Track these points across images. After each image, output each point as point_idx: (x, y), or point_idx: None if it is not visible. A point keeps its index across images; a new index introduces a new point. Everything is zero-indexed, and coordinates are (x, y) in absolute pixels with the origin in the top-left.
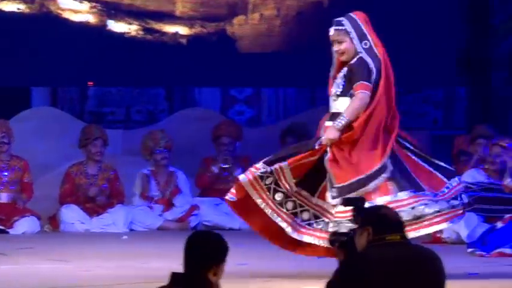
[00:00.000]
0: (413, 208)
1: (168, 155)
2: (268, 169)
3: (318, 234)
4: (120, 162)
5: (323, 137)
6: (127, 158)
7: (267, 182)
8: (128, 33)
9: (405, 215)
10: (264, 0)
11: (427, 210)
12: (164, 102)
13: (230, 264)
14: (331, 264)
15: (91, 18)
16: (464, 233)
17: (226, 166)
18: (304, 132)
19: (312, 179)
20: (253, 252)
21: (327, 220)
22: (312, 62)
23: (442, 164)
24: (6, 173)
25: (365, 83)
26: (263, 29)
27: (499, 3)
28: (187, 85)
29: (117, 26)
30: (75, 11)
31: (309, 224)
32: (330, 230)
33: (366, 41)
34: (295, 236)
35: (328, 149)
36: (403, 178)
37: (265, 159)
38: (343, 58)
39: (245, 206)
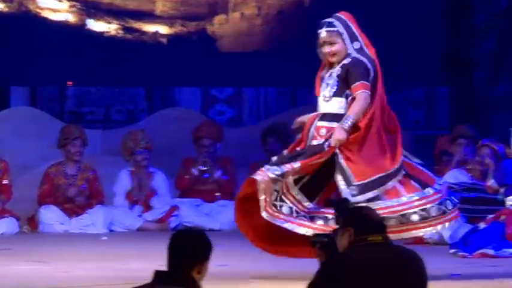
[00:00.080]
0: (423, 210)
1: (148, 156)
2: (280, 171)
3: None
4: (99, 162)
5: (331, 139)
6: (106, 158)
7: (276, 188)
8: (107, 32)
9: (415, 216)
10: None
11: (433, 211)
12: (144, 101)
13: (211, 265)
14: (312, 266)
15: (70, 17)
16: (446, 234)
17: (205, 168)
18: (285, 132)
19: (312, 185)
20: (234, 253)
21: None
22: (293, 61)
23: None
24: None
25: (365, 82)
26: (244, 28)
27: (480, 2)
28: (168, 84)
29: (96, 25)
30: (54, 10)
31: (311, 218)
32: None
33: (357, 42)
34: (296, 228)
35: (337, 150)
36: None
37: (274, 161)
38: (334, 59)
39: (245, 203)
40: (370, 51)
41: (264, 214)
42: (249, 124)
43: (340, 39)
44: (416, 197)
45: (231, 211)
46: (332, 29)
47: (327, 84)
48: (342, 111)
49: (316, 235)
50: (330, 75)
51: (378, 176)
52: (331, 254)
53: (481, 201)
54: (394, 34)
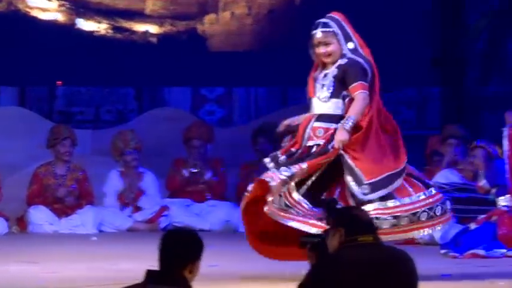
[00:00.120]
0: (430, 209)
1: (137, 156)
2: (289, 172)
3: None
4: (89, 162)
5: (334, 141)
6: (96, 158)
7: (283, 189)
8: (97, 31)
9: (424, 215)
10: None
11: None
12: (134, 101)
13: (201, 266)
14: (303, 266)
15: (60, 17)
16: (437, 234)
17: (196, 171)
18: (276, 132)
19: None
20: (224, 254)
21: None
22: (284, 61)
23: None
24: None
25: (363, 83)
26: (234, 27)
27: (471, 3)
28: (158, 84)
29: (86, 25)
30: (44, 10)
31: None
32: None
33: (351, 42)
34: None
35: (342, 151)
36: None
37: (282, 162)
38: (329, 60)
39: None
40: (365, 52)
41: (267, 210)
42: (240, 124)
43: (335, 39)
44: (424, 196)
45: (221, 211)
46: (328, 29)
47: (323, 85)
48: (338, 112)
49: (306, 236)
50: (325, 76)
51: (386, 174)
52: (322, 255)
53: (472, 201)
54: (385, 34)
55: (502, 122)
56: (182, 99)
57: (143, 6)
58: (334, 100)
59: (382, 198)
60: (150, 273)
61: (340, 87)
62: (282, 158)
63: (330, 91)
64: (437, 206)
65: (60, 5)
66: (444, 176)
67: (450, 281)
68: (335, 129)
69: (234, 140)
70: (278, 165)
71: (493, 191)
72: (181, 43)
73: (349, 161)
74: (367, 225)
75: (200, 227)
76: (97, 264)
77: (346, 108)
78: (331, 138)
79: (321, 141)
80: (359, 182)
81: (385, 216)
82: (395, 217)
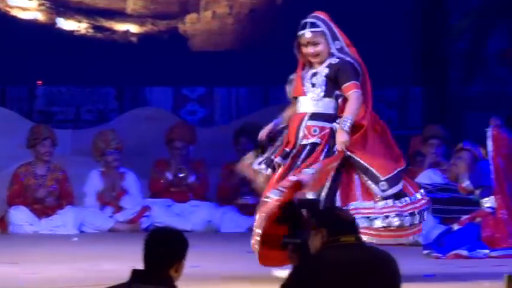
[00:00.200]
0: (420, 212)
1: (118, 157)
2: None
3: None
4: (69, 162)
5: (336, 144)
6: (76, 158)
7: None
8: (77, 31)
9: (417, 218)
10: None
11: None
12: (114, 101)
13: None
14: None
15: (40, 16)
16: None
17: (183, 175)
18: (257, 132)
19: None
20: (206, 254)
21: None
22: (265, 60)
23: None
24: None
25: (356, 82)
26: (215, 27)
27: (453, 2)
28: (139, 84)
29: (66, 24)
30: (24, 9)
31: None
32: (379, 225)
33: (338, 41)
34: None
35: (348, 153)
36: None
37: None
38: (317, 60)
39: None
40: (351, 51)
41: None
42: (221, 124)
43: (323, 39)
44: (420, 197)
45: (203, 211)
46: (316, 29)
47: (313, 84)
48: (331, 111)
49: (288, 236)
50: (315, 74)
51: (399, 168)
52: (304, 256)
53: (455, 201)
54: (367, 33)
55: (484, 122)
56: (163, 99)
57: (124, 5)
58: (326, 99)
59: (397, 196)
60: (135, 273)
61: (332, 86)
62: (278, 159)
63: (323, 90)
64: (428, 208)
65: (40, 4)
66: (427, 177)
67: (433, 281)
68: (330, 129)
69: (216, 140)
70: (274, 169)
71: (477, 192)
72: (162, 43)
73: (361, 161)
74: (350, 226)
75: (182, 228)
76: (78, 264)
77: (340, 108)
78: (328, 138)
79: (318, 140)
80: (376, 179)
81: (398, 214)
82: (411, 214)
